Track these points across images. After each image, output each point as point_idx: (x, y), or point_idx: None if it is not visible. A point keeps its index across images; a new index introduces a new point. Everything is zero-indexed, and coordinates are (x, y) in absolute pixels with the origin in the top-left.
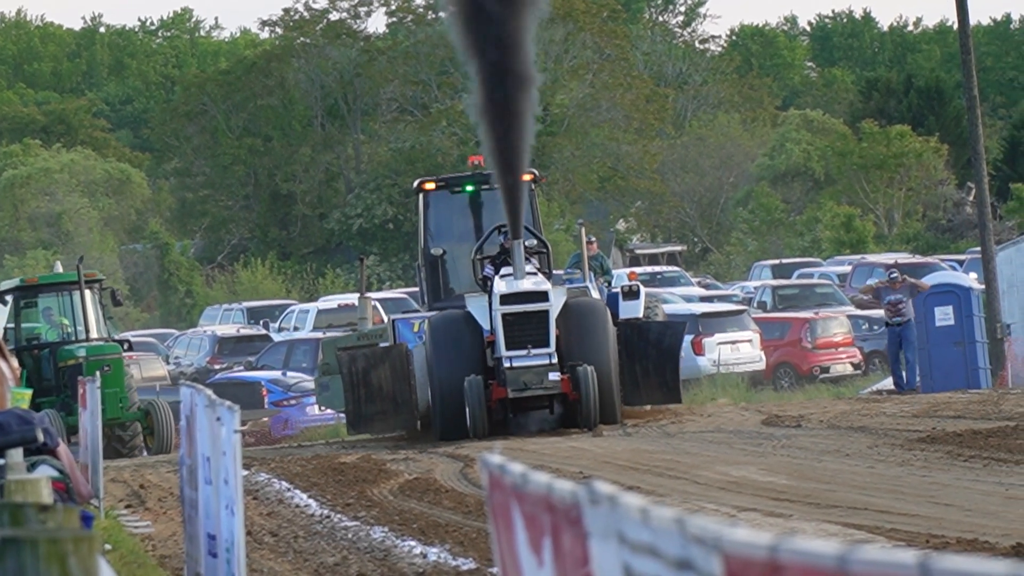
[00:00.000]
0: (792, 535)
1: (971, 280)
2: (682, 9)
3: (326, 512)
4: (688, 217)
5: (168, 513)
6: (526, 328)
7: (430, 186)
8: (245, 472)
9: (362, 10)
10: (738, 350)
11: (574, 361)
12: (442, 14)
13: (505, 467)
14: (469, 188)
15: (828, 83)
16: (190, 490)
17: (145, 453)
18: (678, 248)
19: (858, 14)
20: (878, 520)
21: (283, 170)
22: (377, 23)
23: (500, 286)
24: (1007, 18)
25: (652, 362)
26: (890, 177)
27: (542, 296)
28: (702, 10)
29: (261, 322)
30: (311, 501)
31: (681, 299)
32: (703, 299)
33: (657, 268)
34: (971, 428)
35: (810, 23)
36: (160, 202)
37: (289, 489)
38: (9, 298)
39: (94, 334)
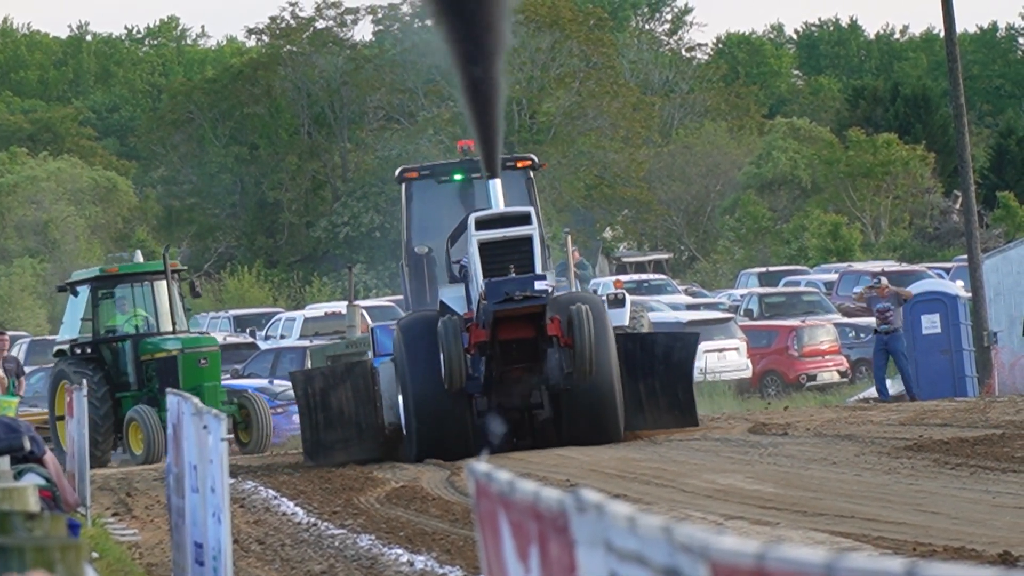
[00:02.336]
0: (779, 543)
1: (958, 288)
2: (668, 17)
3: (313, 520)
4: (675, 225)
5: (155, 521)
6: (507, 258)
7: (413, 175)
8: (232, 480)
9: (348, 18)
10: (725, 358)
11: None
12: (429, 22)
13: (492, 475)
14: (458, 177)
15: (815, 91)
16: (177, 498)
17: (236, 447)
18: (665, 256)
19: (844, 22)
20: (865, 528)
21: (269, 178)
22: (364, 31)
23: (473, 217)
24: (994, 26)
25: (660, 379)
26: (877, 185)
27: (524, 218)
28: (688, 18)
29: (248, 330)
30: (298, 509)
31: (668, 307)
32: (690, 307)
33: (644, 276)
34: (958, 436)
35: (796, 31)
36: (147, 210)
37: (276, 497)
38: (83, 289)
39: (179, 326)
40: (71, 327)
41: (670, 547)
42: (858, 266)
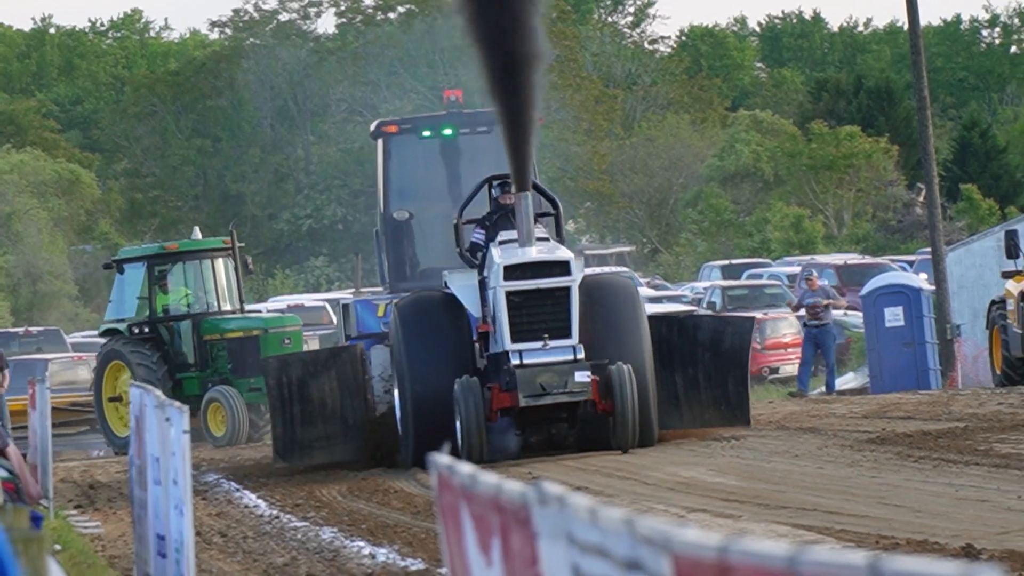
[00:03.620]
0: (741, 536)
1: (921, 281)
2: (631, 10)
3: (275, 512)
4: (637, 218)
5: (118, 513)
6: (539, 312)
7: (393, 129)
8: (194, 472)
9: (312, 11)
10: None
11: (600, 358)
12: (391, 15)
13: (454, 468)
14: (446, 132)
15: (778, 84)
16: (139, 490)
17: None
18: (627, 249)
19: (808, 15)
20: (828, 521)
21: (232, 171)
22: (327, 24)
23: (501, 256)
24: (957, 19)
25: (704, 370)
26: (840, 178)
27: (562, 268)
28: (651, 11)
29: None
30: (260, 501)
31: None
32: (652, 300)
33: (606, 269)
34: (921, 429)
35: (760, 24)
36: (110, 203)
37: (238, 489)
38: (131, 267)
39: (235, 305)
40: (119, 306)
41: (632, 540)
42: (821, 259)
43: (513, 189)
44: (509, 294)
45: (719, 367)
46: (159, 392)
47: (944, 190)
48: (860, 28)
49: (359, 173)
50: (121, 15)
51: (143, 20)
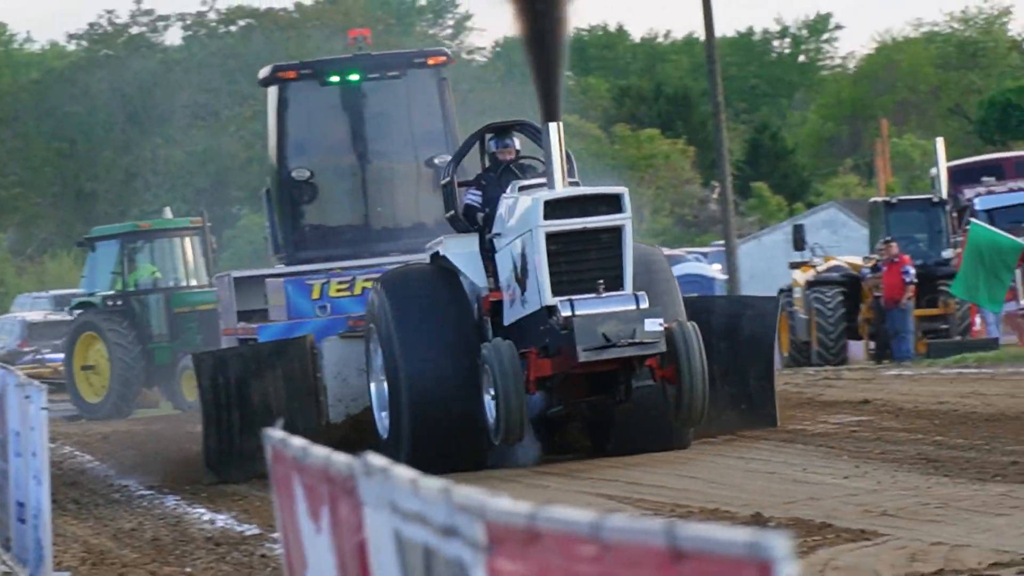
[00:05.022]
0: (549, 504)
1: (715, 271)
2: (451, 22)
3: (123, 482)
4: None
5: None
6: (585, 260)
7: (291, 75)
8: (51, 445)
9: (160, 24)
10: None
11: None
12: (232, 28)
13: (287, 442)
14: (353, 77)
15: (584, 91)
16: (1, 462)
17: None
18: None
19: (612, 27)
20: (628, 491)
21: (87, 171)
22: (174, 36)
23: (533, 196)
24: (750, 30)
25: (720, 361)
26: (640, 177)
27: (612, 203)
28: (469, 23)
29: (66, 309)
30: (110, 471)
31: None
32: None
33: None
34: None
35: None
36: None
37: (91, 461)
38: (104, 245)
39: (204, 279)
40: (91, 281)
41: (449, 508)
42: None
43: (541, 119)
44: (550, 236)
45: (737, 359)
46: (20, 372)
47: (737, 188)
48: (660, 39)
49: (201, 173)
50: None
51: (7, 33)
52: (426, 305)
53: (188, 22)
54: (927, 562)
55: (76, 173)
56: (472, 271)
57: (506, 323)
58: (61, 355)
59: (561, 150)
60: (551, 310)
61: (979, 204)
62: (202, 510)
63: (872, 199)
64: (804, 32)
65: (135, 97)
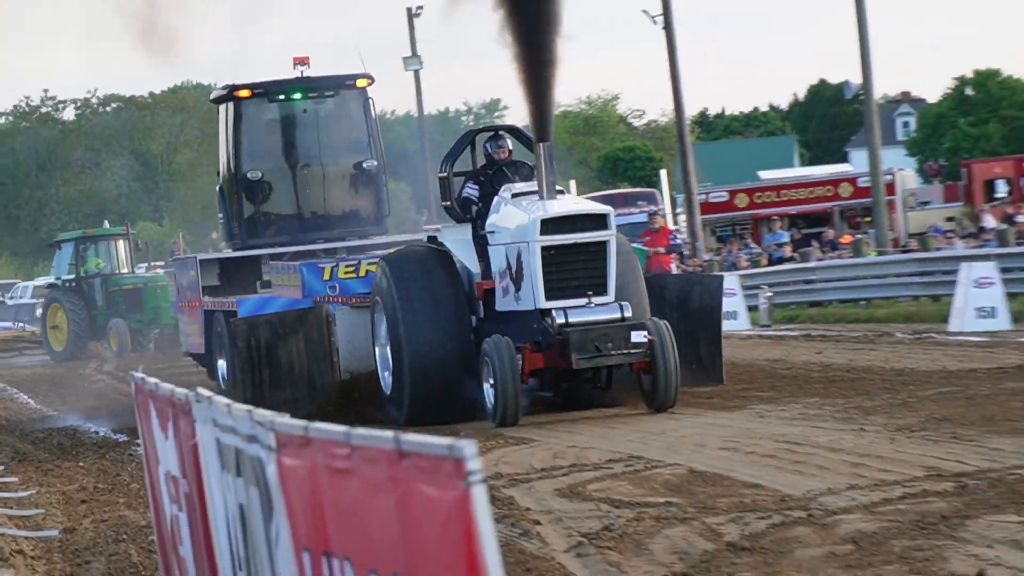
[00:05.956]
0: (317, 423)
1: None
2: None
3: (41, 407)
4: None
5: None
6: (574, 268)
7: (244, 93)
8: None
9: (60, 105)
10: None
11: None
12: (108, 108)
13: (144, 379)
14: (295, 96)
15: None
16: None
17: (152, 348)
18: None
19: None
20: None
21: (12, 202)
22: (69, 113)
23: (528, 209)
24: (447, 110)
25: (674, 328)
26: None
27: (599, 221)
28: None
29: (7, 296)
30: (30, 401)
31: None
32: None
33: None
34: None
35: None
36: None
37: (17, 393)
38: (67, 245)
39: (130, 268)
40: (57, 270)
41: (251, 423)
42: None
43: (534, 139)
44: (545, 249)
45: (689, 327)
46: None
47: None
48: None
49: (87, 204)
50: None
51: None
52: (425, 282)
53: (79, 104)
54: (565, 459)
55: (5, 203)
56: (465, 257)
57: (498, 309)
58: (9, 323)
59: (551, 167)
60: (544, 312)
61: None
62: (91, 424)
63: None
64: (484, 111)
65: (44, 153)
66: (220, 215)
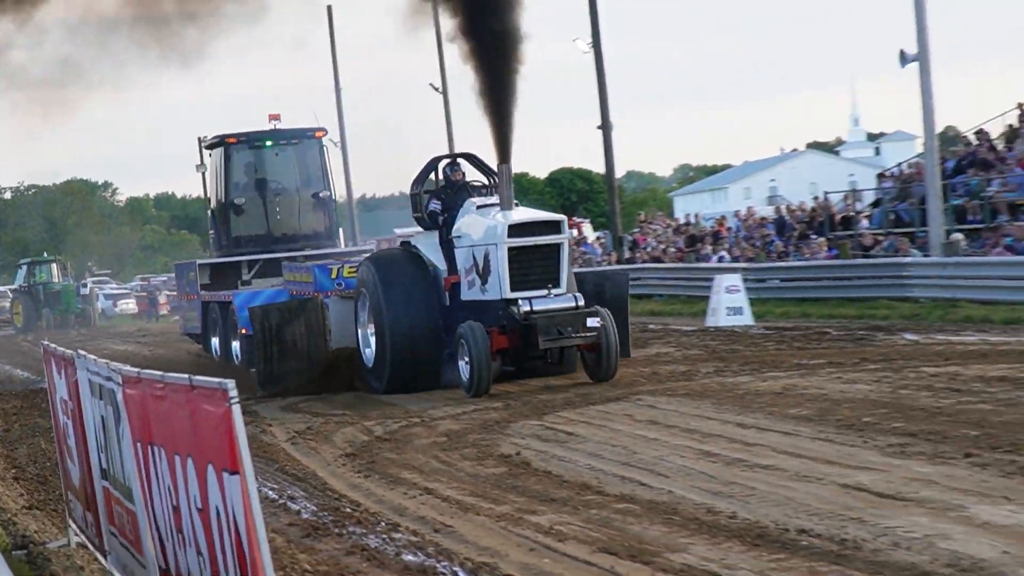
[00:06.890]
0: (147, 370)
1: None
2: None
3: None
4: None
5: None
6: (533, 265)
7: (233, 141)
8: None
9: (3, 189)
10: None
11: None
12: (32, 191)
13: (50, 346)
14: (268, 143)
15: None
16: None
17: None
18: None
19: None
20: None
21: None
22: (6, 196)
23: (494, 218)
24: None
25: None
26: None
27: (555, 226)
28: None
29: None
30: None
31: None
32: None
33: None
34: None
35: None
36: None
37: None
38: (25, 266)
39: (61, 279)
40: (17, 279)
41: (108, 370)
42: None
43: (497, 160)
44: (511, 249)
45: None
46: None
47: None
48: None
49: (24, 254)
50: None
51: None
52: (402, 277)
53: (7, 190)
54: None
55: None
56: (435, 258)
57: (464, 299)
58: None
59: (510, 187)
60: (509, 302)
61: None
62: (19, 371)
63: None
64: None
65: None
66: (211, 231)
